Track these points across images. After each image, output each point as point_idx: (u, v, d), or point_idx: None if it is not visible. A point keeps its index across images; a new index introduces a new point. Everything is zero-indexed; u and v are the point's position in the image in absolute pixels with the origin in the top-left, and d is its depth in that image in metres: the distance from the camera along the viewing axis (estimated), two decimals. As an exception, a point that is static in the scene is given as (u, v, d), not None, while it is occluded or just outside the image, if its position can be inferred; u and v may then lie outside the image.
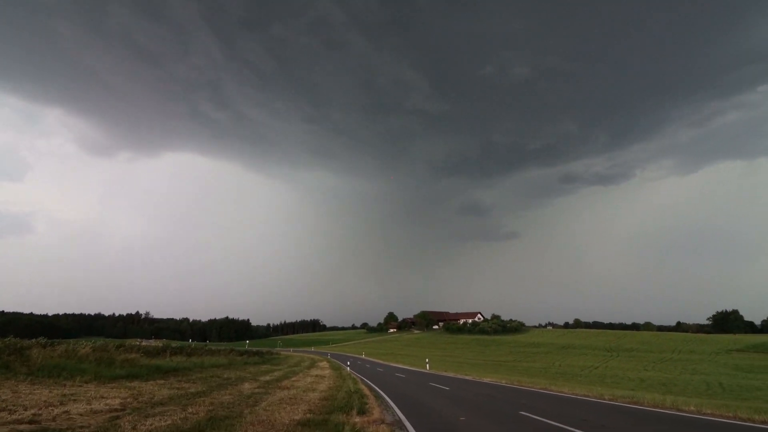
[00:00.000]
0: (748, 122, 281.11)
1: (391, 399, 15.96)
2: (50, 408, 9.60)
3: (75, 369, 16.28)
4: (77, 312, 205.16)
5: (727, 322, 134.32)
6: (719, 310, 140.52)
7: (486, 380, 26.77)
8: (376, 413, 11.82)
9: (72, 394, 11.82)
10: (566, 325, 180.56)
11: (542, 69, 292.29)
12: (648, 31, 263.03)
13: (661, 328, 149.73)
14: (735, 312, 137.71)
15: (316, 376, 27.09)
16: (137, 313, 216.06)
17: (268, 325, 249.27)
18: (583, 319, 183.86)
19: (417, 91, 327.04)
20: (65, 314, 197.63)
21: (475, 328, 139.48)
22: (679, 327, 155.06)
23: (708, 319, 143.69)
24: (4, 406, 9.32)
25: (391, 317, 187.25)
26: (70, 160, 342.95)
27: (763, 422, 10.49)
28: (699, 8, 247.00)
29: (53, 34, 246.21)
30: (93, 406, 10.23)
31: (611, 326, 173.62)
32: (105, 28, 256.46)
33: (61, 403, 10.28)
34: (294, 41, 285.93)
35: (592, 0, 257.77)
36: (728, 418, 11.32)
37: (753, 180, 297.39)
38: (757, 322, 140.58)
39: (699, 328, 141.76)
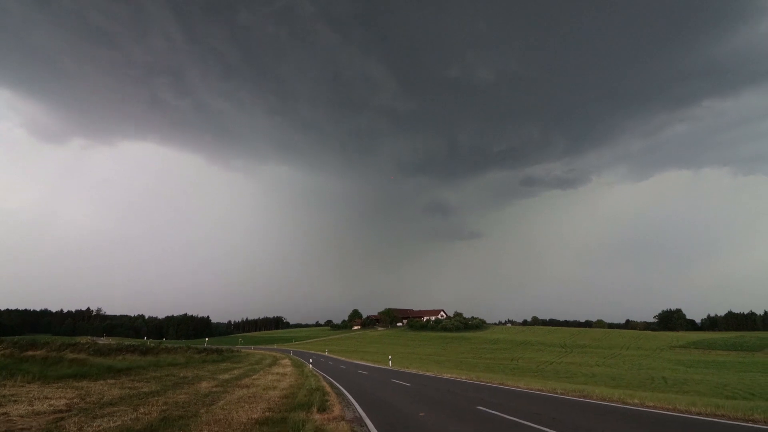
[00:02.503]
0: (694, 134, 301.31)
1: (352, 396, 15.99)
2: (-13, 410, 9.01)
3: (17, 368, 15.36)
4: (21, 308, 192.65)
5: (671, 320, 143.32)
6: (664, 309, 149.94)
7: (447, 376, 27.29)
8: (337, 410, 11.82)
9: (12, 395, 11.15)
10: (524, 323, 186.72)
11: (505, 73, 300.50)
12: (603, 42, 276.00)
13: (612, 326, 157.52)
14: (678, 311, 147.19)
15: (278, 374, 26.73)
16: (88, 309, 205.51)
17: (229, 322, 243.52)
18: (540, 317, 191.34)
19: (385, 89, 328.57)
20: (8, 310, 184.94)
21: (438, 326, 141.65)
22: (628, 324, 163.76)
23: (654, 317, 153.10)
24: (-67, 408, 8.68)
25: (355, 314, 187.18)
26: (18, 146, 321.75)
27: (698, 413, 11.27)
28: (650, 24, 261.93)
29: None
30: (35, 408, 9.69)
31: (566, 323, 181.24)
32: (55, 3, 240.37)
33: (0, 405, 9.67)
34: (260, 30, 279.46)
35: (552, 9, 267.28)
36: (668, 410, 12.08)
37: (698, 189, 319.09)
38: (698, 320, 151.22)
39: (646, 326, 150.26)
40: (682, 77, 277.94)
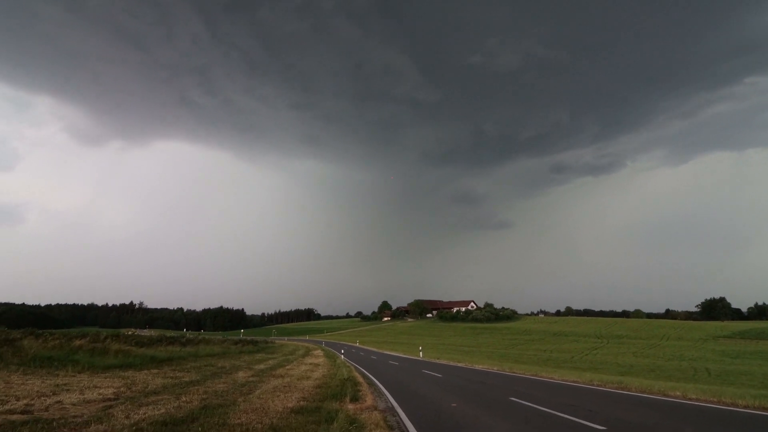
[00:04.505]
0: (737, 114, 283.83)
1: (384, 386, 16.13)
2: (43, 398, 9.61)
3: (68, 359, 16.29)
4: (70, 302, 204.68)
5: (714, 309, 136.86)
6: (707, 298, 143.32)
7: (478, 367, 27.12)
8: (369, 400, 11.96)
9: (65, 384, 11.84)
10: (558, 313, 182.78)
11: (531, 57, 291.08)
12: (636, 21, 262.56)
13: (651, 316, 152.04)
14: (723, 299, 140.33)
15: (311, 364, 27.29)
16: (131, 303, 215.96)
17: (263, 314, 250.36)
18: (574, 307, 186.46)
19: (407, 79, 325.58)
20: (58, 304, 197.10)
21: (468, 316, 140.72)
22: (668, 314, 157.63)
23: (696, 306, 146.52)
24: (-4, 396, 9.32)
25: (385, 306, 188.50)
26: (61, 150, 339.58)
27: (745, 407, 10.76)
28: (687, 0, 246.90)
29: (33, 15, 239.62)
30: (86, 396, 10.26)
31: (602, 314, 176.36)
32: (85, 8, 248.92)
33: (54, 393, 10.30)
34: (281, 26, 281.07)
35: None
36: (713, 403, 11.59)
37: (742, 171, 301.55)
38: (744, 309, 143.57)
39: (688, 316, 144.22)
40: (722, 53, 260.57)
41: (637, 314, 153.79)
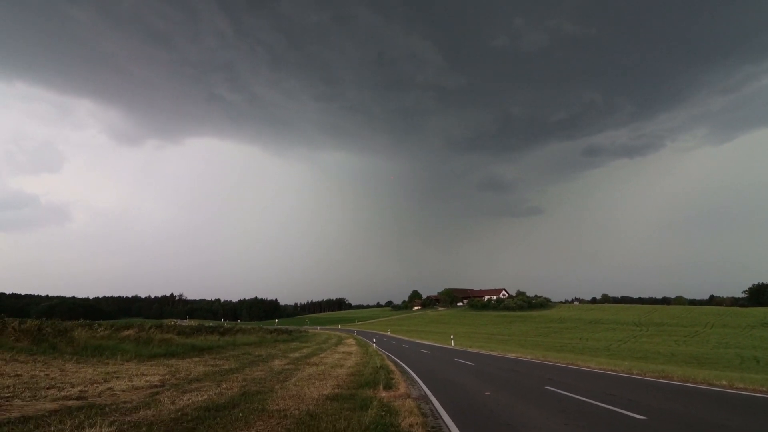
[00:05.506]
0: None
1: (416, 374, 16.24)
2: (95, 385, 10.22)
3: (116, 348, 17.21)
4: (116, 295, 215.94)
5: (763, 294, 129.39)
6: (755, 283, 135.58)
7: (511, 356, 26.85)
8: (402, 388, 12.07)
9: (115, 372, 12.53)
10: (594, 300, 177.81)
11: (559, 35, 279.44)
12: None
13: (693, 303, 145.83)
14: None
15: (344, 352, 27.76)
16: (172, 294, 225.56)
17: (296, 304, 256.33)
18: (611, 294, 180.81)
19: (431, 65, 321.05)
20: (105, 297, 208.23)
21: (500, 305, 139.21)
22: (713, 301, 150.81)
23: (743, 292, 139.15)
24: (53, 383, 9.98)
25: (415, 295, 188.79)
26: (102, 151, 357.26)
27: (799, 396, 10.21)
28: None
29: (70, 21, 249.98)
30: (134, 383, 10.83)
31: (641, 300, 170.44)
32: (117, 11, 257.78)
33: (105, 381, 10.92)
34: (303, 17, 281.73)
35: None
36: (762, 392, 11.06)
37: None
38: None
39: (734, 302, 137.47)
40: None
41: (679, 301, 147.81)
